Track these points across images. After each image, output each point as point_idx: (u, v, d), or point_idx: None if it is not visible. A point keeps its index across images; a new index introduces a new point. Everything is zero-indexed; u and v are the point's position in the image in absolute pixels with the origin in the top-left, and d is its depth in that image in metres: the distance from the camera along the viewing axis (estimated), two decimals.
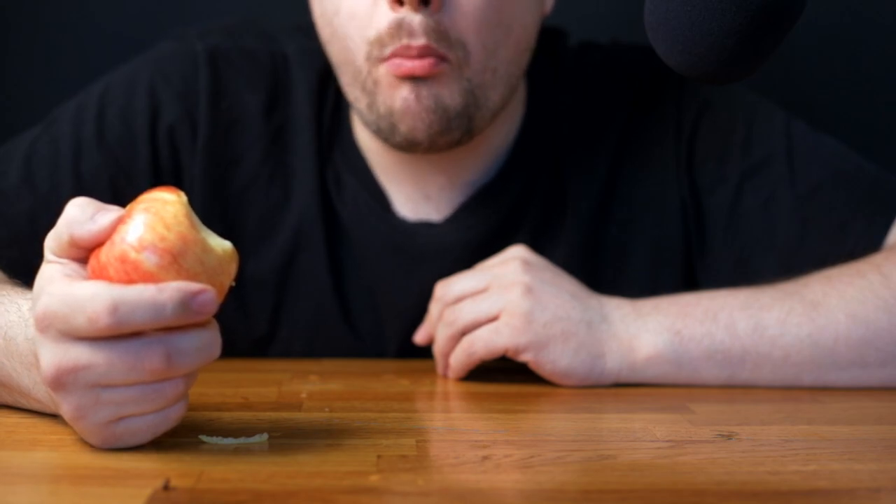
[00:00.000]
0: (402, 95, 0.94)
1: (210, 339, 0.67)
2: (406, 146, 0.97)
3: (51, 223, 0.84)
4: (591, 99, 1.09)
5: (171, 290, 0.65)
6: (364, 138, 1.06)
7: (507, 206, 1.06)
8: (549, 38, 1.11)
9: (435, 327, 0.97)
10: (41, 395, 0.73)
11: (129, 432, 0.69)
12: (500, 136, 1.06)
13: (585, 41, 1.13)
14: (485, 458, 0.71)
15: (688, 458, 0.72)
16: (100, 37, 1.33)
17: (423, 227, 1.05)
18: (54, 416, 0.78)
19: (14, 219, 0.99)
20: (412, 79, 0.93)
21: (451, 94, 0.94)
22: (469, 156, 1.04)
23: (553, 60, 1.10)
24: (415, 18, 0.92)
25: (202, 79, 1.05)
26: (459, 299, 0.95)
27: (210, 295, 0.66)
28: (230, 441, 0.73)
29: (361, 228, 1.05)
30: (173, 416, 0.69)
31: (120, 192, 1.00)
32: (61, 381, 0.66)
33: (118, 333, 0.65)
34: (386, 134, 0.97)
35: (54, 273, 0.68)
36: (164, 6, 1.33)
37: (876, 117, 1.37)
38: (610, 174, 1.07)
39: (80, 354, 0.65)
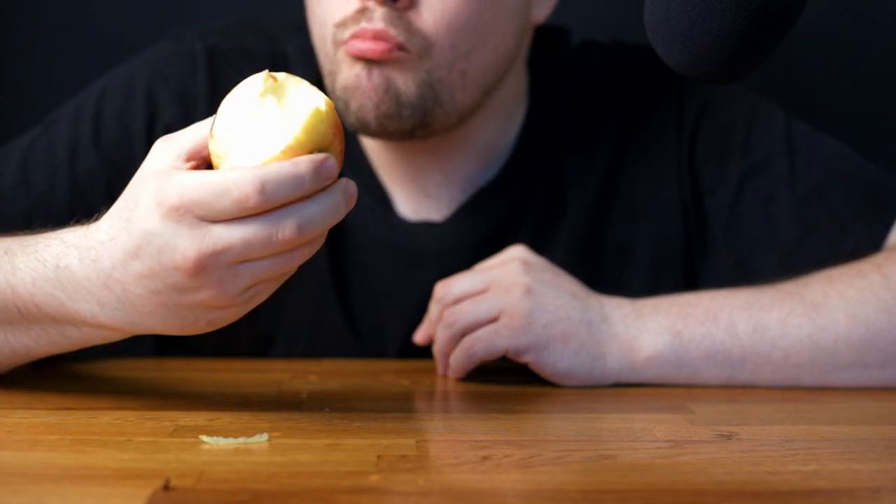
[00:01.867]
0: (355, 73, 0.95)
1: (334, 202, 0.72)
2: (358, 126, 0.98)
3: (47, 225, 0.85)
4: (592, 98, 1.09)
5: (304, 162, 0.70)
6: (365, 137, 1.06)
7: (507, 206, 1.06)
8: (551, 36, 1.11)
9: (435, 328, 0.97)
10: (108, 317, 0.75)
11: (258, 296, 0.74)
12: (498, 135, 1.06)
13: (586, 40, 1.13)
14: (485, 458, 0.71)
15: (688, 458, 0.72)
16: (100, 37, 1.33)
17: (424, 227, 1.05)
18: (57, 414, 0.78)
19: (11, 220, 0.99)
20: (366, 61, 0.94)
21: (405, 82, 0.94)
22: (463, 152, 1.04)
23: (554, 59, 1.10)
24: (377, 9, 0.93)
25: (201, 79, 1.05)
26: (459, 300, 0.95)
27: (332, 161, 0.71)
28: (230, 441, 0.73)
29: (362, 229, 1.05)
30: (292, 270, 0.74)
31: (117, 194, 1.00)
32: (203, 264, 0.70)
33: (264, 210, 0.70)
34: (343, 113, 0.97)
35: (169, 168, 0.73)
36: (165, 6, 1.33)
37: (876, 117, 1.37)
38: (610, 174, 1.07)
39: (219, 237, 0.70)
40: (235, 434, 0.74)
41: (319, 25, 0.98)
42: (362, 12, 0.93)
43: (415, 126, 0.97)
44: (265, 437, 0.74)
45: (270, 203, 0.69)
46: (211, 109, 1.04)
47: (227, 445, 0.72)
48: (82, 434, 0.74)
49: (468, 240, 1.05)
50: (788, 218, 1.04)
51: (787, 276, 0.97)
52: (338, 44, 0.95)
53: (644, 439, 0.77)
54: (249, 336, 1.07)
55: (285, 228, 0.70)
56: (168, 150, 0.75)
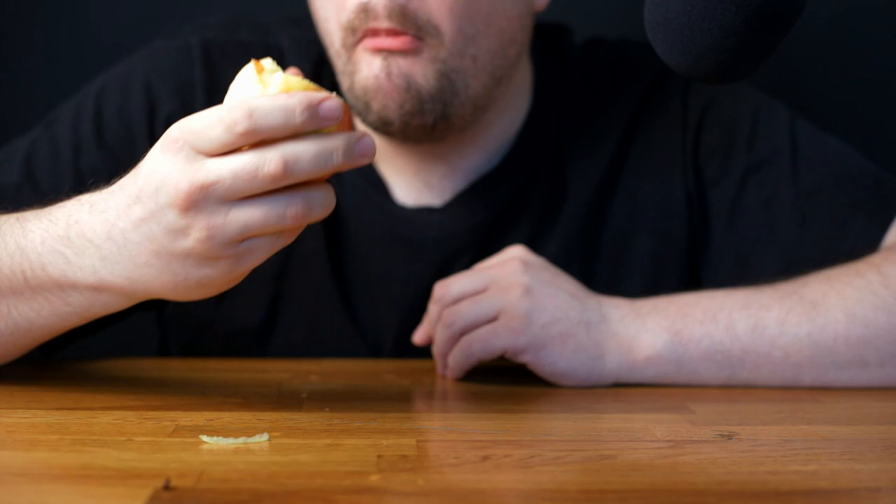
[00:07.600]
0: (374, 73, 0.95)
1: (329, 147, 0.71)
2: (379, 125, 0.98)
3: None
4: (597, 92, 1.09)
5: (299, 95, 0.71)
6: (362, 127, 1.06)
7: (508, 194, 1.06)
8: (553, 33, 1.11)
9: (434, 327, 0.97)
10: (109, 271, 0.76)
11: (249, 251, 0.73)
12: (502, 127, 1.06)
13: (593, 37, 1.14)
14: (485, 458, 0.71)
15: (688, 458, 0.72)
16: (99, 37, 1.33)
17: (423, 212, 1.05)
18: (57, 414, 0.78)
19: None
20: (384, 53, 0.94)
21: (424, 75, 0.95)
22: (471, 146, 1.05)
23: (559, 55, 1.11)
24: (378, 2, 0.93)
25: (197, 72, 1.05)
26: (458, 300, 0.95)
27: (335, 102, 0.71)
28: (230, 441, 0.73)
29: (360, 216, 1.06)
30: (288, 237, 0.75)
31: None
32: (194, 198, 0.71)
33: (253, 140, 0.71)
34: (362, 113, 0.98)
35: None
36: (164, 7, 1.33)
37: (876, 117, 1.37)
38: (613, 166, 1.07)
39: (210, 170, 0.71)
40: (235, 434, 0.74)
41: (326, 33, 0.98)
42: (364, 10, 0.93)
43: (436, 119, 0.97)
44: (265, 437, 0.74)
45: (259, 130, 0.70)
46: (209, 101, 1.04)
47: (227, 445, 0.72)
48: (82, 434, 0.74)
49: (467, 226, 1.05)
50: (789, 215, 1.04)
51: (786, 273, 0.98)
52: (350, 47, 0.96)
53: (644, 439, 0.77)
54: (247, 325, 1.07)
55: (271, 162, 0.70)
56: None
